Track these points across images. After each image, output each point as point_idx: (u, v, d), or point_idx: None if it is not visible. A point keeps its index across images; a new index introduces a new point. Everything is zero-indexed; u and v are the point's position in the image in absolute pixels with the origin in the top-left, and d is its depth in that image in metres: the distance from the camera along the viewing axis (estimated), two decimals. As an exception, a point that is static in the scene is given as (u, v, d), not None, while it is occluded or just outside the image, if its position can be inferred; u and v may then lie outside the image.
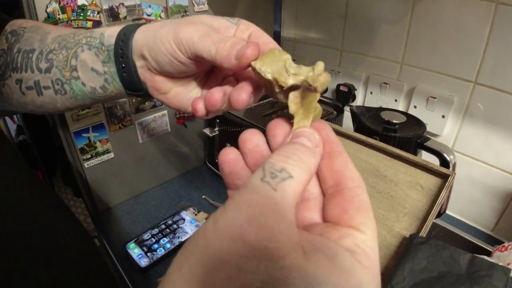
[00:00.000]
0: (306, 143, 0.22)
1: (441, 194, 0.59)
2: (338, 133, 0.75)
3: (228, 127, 0.97)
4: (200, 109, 0.34)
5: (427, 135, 0.75)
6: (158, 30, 0.34)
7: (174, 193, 1.05)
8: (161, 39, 0.33)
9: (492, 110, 0.78)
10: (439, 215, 0.76)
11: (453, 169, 0.71)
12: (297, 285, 0.15)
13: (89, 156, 0.88)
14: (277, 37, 1.21)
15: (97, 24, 0.77)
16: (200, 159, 1.18)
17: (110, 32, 0.39)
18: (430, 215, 0.59)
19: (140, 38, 0.35)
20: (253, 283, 0.15)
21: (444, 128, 0.87)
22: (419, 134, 0.72)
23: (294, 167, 0.19)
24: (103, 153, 0.91)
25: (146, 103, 0.95)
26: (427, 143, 0.71)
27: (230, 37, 0.32)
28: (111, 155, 0.92)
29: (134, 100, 0.92)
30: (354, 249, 0.19)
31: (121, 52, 0.37)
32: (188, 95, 0.38)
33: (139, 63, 0.36)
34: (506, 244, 0.70)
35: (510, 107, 0.75)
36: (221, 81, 0.39)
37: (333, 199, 0.22)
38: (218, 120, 0.99)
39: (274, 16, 1.18)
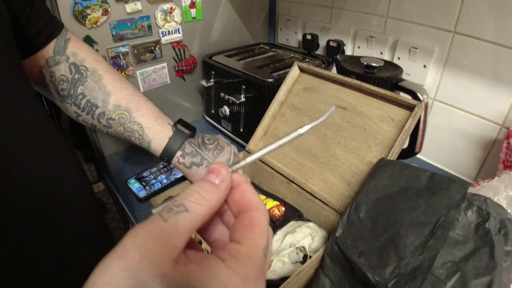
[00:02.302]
0: (213, 180, 0.25)
1: (408, 122, 0.62)
2: (320, 76, 0.78)
3: (223, 79, 1.00)
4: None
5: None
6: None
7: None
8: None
9: (471, 59, 0.79)
10: (414, 153, 0.79)
11: (426, 108, 0.74)
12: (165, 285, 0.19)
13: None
14: (273, -2, 1.23)
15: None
16: (199, 113, 1.22)
17: (155, 146, 0.57)
18: (397, 141, 0.63)
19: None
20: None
21: (426, 77, 0.89)
22: (395, 75, 0.75)
23: (192, 203, 0.23)
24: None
25: (147, 55, 0.99)
26: (402, 83, 0.74)
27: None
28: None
29: (136, 51, 0.96)
30: (226, 257, 0.21)
31: (166, 161, 0.58)
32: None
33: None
34: (481, 181, 0.73)
35: (488, 55, 0.76)
36: None
37: (236, 219, 0.25)
38: (213, 72, 1.02)
39: (270, -24, 1.19)
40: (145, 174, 0.91)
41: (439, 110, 0.91)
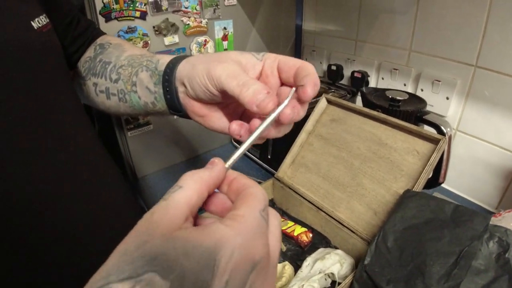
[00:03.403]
0: (207, 166, 0.29)
1: (433, 155, 0.65)
2: (347, 108, 0.82)
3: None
4: (236, 130, 0.39)
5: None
6: (196, 65, 0.40)
7: (202, 166, 1.14)
8: (197, 73, 0.38)
9: (493, 91, 0.82)
10: (438, 184, 0.82)
11: (449, 140, 0.76)
12: (172, 242, 0.21)
13: (132, 126, 0.99)
14: (298, 30, 1.29)
15: (144, 14, 0.88)
16: (226, 138, 1.27)
17: (163, 60, 0.46)
18: (422, 173, 0.65)
19: (182, 70, 0.42)
20: (149, 246, 0.21)
21: (449, 109, 0.92)
22: (419, 108, 0.78)
23: (185, 181, 0.26)
24: (144, 124, 1.02)
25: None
26: (426, 117, 0.77)
27: (253, 82, 0.35)
28: (151, 127, 1.03)
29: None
30: (224, 220, 0.24)
31: (167, 79, 0.43)
32: (222, 119, 0.43)
33: (180, 89, 0.43)
34: (502, 212, 0.75)
35: (509, 88, 0.79)
36: None
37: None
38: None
39: (296, 10, 1.26)
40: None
41: (461, 141, 0.93)
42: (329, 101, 0.87)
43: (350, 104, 0.81)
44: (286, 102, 0.34)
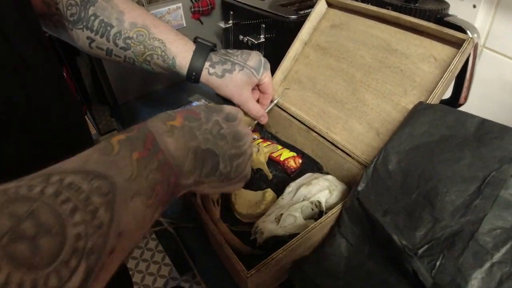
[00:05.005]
0: None
1: (454, 61, 0.50)
2: (350, 9, 0.66)
3: (242, 20, 0.89)
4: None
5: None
6: (221, 89, 0.56)
7: (190, 89, 1.01)
8: (224, 92, 0.57)
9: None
10: (458, 105, 0.67)
11: (475, 50, 0.60)
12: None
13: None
14: None
15: None
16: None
17: (180, 61, 0.53)
18: (439, 83, 0.51)
19: (211, 81, 0.55)
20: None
21: (475, 20, 0.74)
22: (440, 8, 0.61)
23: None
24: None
25: (160, -7, 0.89)
26: (448, 19, 0.60)
27: (254, 108, 0.61)
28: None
29: (147, -12, 0.86)
30: None
31: (193, 79, 0.55)
32: None
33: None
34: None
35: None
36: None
37: None
38: (232, 12, 0.91)
39: None
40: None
41: (488, 59, 0.76)
42: (329, 4, 0.70)
43: (354, 3, 0.64)
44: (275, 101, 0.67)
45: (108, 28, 0.50)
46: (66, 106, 0.42)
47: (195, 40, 0.55)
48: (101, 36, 0.51)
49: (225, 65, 0.54)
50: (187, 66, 0.53)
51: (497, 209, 0.36)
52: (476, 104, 0.81)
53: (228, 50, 0.57)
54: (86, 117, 1.06)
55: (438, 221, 0.37)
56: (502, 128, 0.42)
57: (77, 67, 0.95)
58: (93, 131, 1.08)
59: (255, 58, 0.57)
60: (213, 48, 0.55)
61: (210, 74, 0.54)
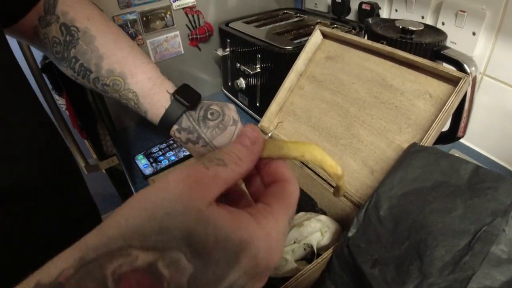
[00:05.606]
0: (246, 142, 0.25)
1: (449, 100, 0.49)
2: (346, 42, 0.65)
3: (238, 48, 0.88)
4: None
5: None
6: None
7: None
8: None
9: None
10: (456, 138, 0.65)
11: (473, 83, 0.59)
12: (205, 223, 0.20)
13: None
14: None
15: None
16: (217, 86, 1.11)
17: (151, 117, 0.51)
18: (434, 123, 0.49)
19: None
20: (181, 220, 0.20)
21: (475, 47, 0.73)
22: (437, 40, 0.60)
23: (230, 161, 0.24)
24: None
25: (157, 22, 0.89)
26: (445, 52, 0.59)
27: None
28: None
29: (144, 19, 0.87)
30: (254, 212, 0.23)
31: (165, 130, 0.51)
32: None
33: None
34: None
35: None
36: None
37: (267, 188, 0.27)
38: (229, 40, 0.91)
39: None
40: (154, 150, 0.83)
41: (488, 87, 0.75)
42: (324, 35, 0.69)
43: (348, 36, 0.63)
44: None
45: (88, 73, 0.50)
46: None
47: (174, 93, 0.51)
48: (82, 78, 0.51)
49: (190, 135, 0.50)
50: (158, 122, 0.51)
51: (486, 267, 0.35)
52: (476, 134, 0.80)
53: (210, 111, 0.51)
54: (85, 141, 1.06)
55: (426, 277, 0.36)
56: (497, 177, 0.41)
57: (76, 94, 0.95)
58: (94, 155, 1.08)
59: (224, 140, 0.51)
60: (190, 107, 0.50)
61: (175, 136, 0.52)
